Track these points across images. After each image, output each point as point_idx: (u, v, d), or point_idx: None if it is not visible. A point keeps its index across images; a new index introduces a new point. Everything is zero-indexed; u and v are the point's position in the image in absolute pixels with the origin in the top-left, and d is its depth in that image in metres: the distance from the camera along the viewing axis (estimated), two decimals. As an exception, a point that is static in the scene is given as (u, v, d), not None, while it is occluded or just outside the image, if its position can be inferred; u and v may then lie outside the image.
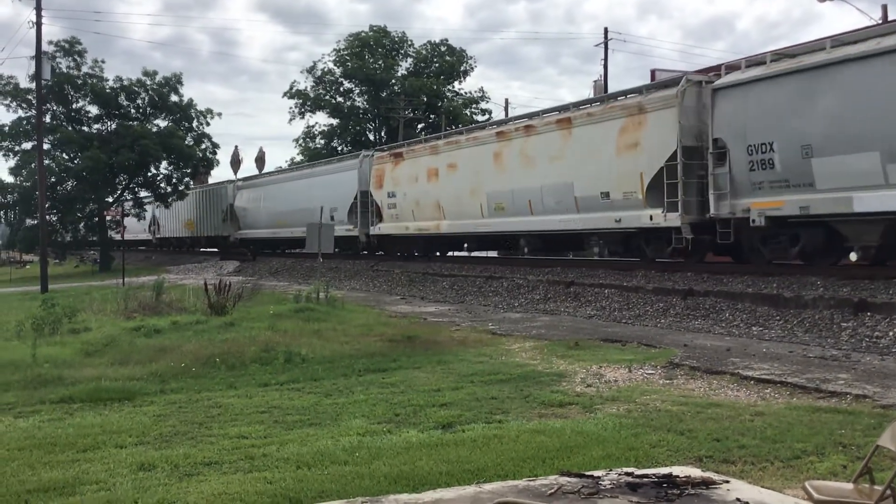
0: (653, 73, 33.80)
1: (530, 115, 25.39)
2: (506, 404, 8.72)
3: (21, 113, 45.76)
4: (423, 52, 64.01)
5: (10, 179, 47.61)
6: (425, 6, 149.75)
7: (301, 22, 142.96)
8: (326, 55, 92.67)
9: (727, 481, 5.67)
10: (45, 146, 40.69)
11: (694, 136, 18.24)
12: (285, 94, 64.40)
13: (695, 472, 5.88)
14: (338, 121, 64.39)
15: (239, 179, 50.53)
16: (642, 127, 19.43)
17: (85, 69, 46.48)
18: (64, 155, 46.72)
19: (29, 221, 45.88)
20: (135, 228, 59.09)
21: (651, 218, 19.03)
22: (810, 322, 13.68)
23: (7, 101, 45.36)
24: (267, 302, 20.50)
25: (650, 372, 10.42)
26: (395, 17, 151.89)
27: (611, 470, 5.97)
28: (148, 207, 54.57)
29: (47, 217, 39.24)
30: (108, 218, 46.66)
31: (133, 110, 48.65)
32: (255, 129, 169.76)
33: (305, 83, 64.30)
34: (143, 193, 50.83)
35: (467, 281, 23.90)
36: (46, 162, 41.08)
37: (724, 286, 16.58)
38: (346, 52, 62.24)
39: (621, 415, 7.99)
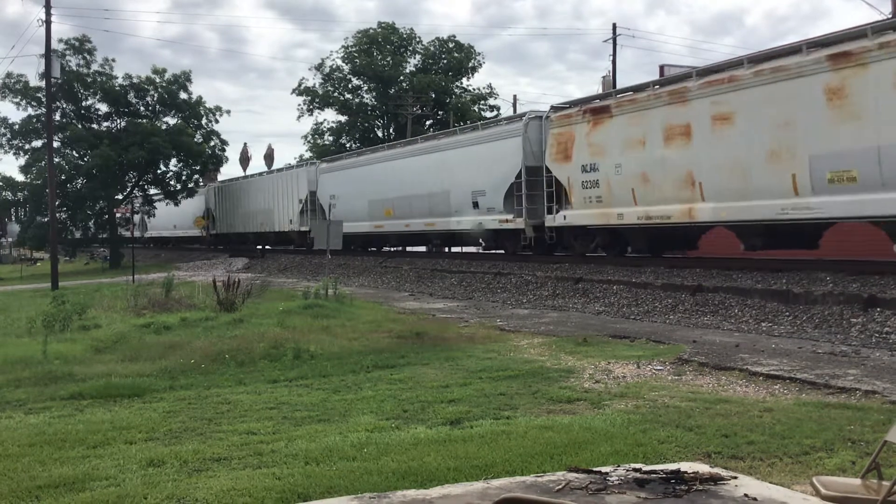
0: (661, 68, 33.70)
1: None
2: (514, 400, 8.72)
3: (31, 111, 45.98)
4: (432, 48, 63.95)
5: (20, 177, 47.90)
6: (433, 2, 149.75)
7: (309, 19, 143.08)
8: (335, 52, 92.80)
9: (735, 477, 5.65)
10: (55, 144, 40.86)
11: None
12: (294, 91, 64.56)
13: (703, 468, 5.86)
14: (346, 117, 64.43)
15: (322, 160, 41.68)
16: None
17: (95, 67, 46.64)
18: (74, 153, 46.88)
19: (39, 219, 46.05)
20: (173, 222, 55.44)
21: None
22: (820, 318, 13.63)
23: (17, 100, 45.52)
24: (276, 298, 20.55)
25: (659, 368, 10.41)
26: (402, 14, 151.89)
27: (619, 466, 5.95)
28: (199, 197, 51.08)
29: (57, 215, 39.38)
30: (118, 215, 46.83)
31: (142, 108, 48.77)
32: (263, 127, 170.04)
33: (314, 80, 64.40)
34: (152, 191, 50.89)
35: (475, 277, 23.89)
36: (56, 160, 41.24)
37: (734, 282, 16.53)
38: (354, 49, 62.24)
39: (630, 411, 7.98)
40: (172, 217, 54.31)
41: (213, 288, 18.94)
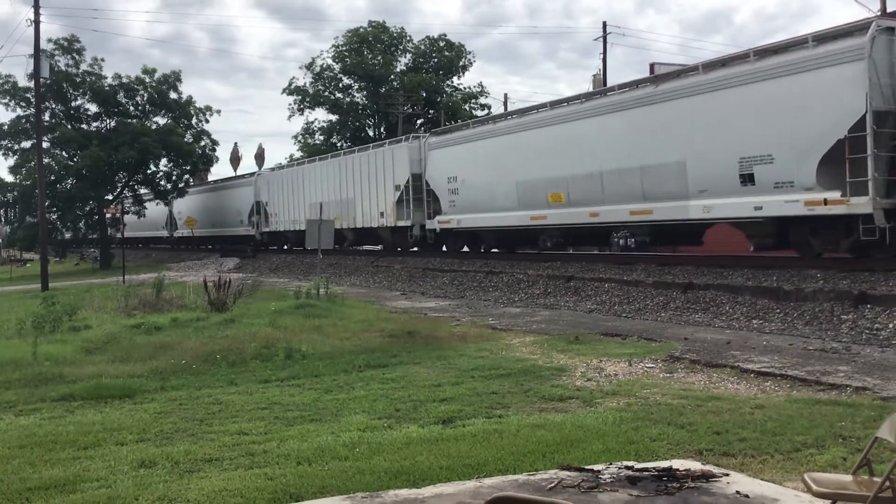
0: (651, 66, 33.76)
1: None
2: (506, 399, 8.72)
3: (20, 111, 45.86)
4: (422, 47, 63.92)
5: (9, 178, 47.70)
6: (423, 1, 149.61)
7: (299, 18, 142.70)
8: (325, 51, 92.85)
9: (727, 474, 5.69)
10: (45, 145, 40.70)
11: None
12: (284, 91, 64.42)
13: (695, 466, 5.90)
14: (337, 117, 64.34)
15: (431, 132, 31.23)
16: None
17: (84, 67, 46.51)
18: (63, 153, 46.76)
19: (29, 220, 45.88)
20: (212, 220, 50.39)
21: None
22: (810, 315, 13.68)
23: (6, 100, 45.39)
24: (267, 298, 20.51)
25: (650, 366, 10.42)
26: (393, 13, 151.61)
27: (611, 464, 5.99)
28: (247, 188, 45.43)
29: (47, 215, 39.24)
30: (107, 215, 46.67)
31: (132, 108, 48.67)
32: (254, 126, 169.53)
33: (304, 79, 64.26)
34: (142, 191, 50.75)
35: (467, 276, 23.89)
36: (46, 160, 41.09)
37: (725, 279, 16.58)
38: (344, 48, 62.15)
39: (621, 408, 7.99)
40: (211, 213, 50.79)
41: (204, 288, 18.89)
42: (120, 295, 20.80)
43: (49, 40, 45.71)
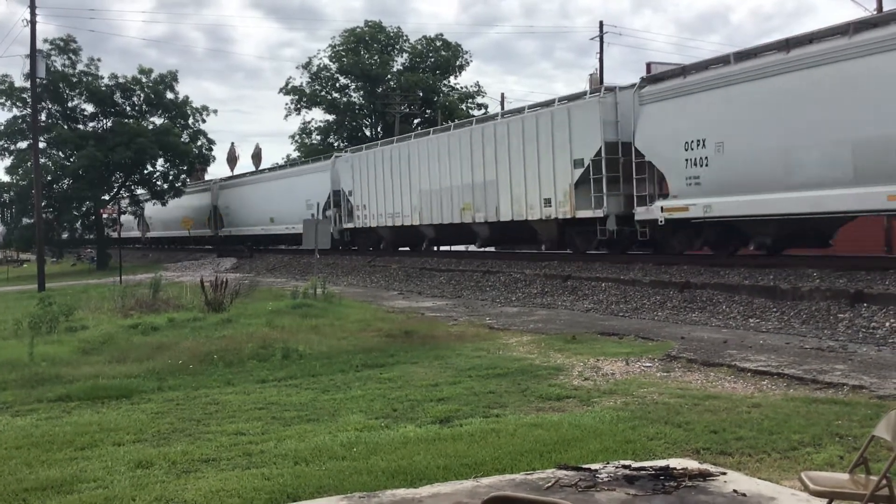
0: (648, 66, 33.77)
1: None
2: (503, 398, 8.72)
3: (16, 112, 45.73)
4: (419, 47, 63.86)
5: (6, 178, 47.61)
6: (419, 1, 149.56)
7: (295, 18, 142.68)
8: (322, 51, 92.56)
9: (724, 473, 5.69)
10: (41, 145, 40.59)
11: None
12: (281, 91, 64.28)
13: (692, 465, 5.90)
14: (334, 116, 64.26)
15: (645, 78, 20.75)
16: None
17: (80, 67, 46.39)
18: (60, 153, 46.61)
19: (25, 220, 45.79)
20: (269, 215, 42.02)
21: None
22: (807, 313, 13.69)
23: (2, 100, 45.25)
24: (264, 298, 20.49)
25: (647, 365, 10.43)
26: (389, 13, 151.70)
27: (608, 463, 5.99)
28: (321, 174, 37.18)
29: (44, 216, 39.17)
30: (104, 215, 46.61)
31: (129, 108, 48.53)
32: (250, 126, 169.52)
33: (301, 79, 64.10)
34: (139, 191, 50.68)
35: (464, 276, 23.89)
36: (42, 161, 40.98)
37: (721, 278, 16.59)
38: (341, 48, 62.07)
39: (618, 408, 7.99)
40: (259, 208, 43.26)
41: (201, 288, 18.87)
42: (117, 295, 20.78)
43: (45, 40, 45.75)
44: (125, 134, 44.53)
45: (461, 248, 30.97)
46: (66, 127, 46.27)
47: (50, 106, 46.23)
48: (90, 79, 46.46)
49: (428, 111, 61.20)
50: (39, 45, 38.24)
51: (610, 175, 20.30)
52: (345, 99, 63.73)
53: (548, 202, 22.46)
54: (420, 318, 16.55)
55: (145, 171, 48.52)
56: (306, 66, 63.48)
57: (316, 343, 13.22)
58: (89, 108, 47.90)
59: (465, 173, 26.02)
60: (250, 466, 6.45)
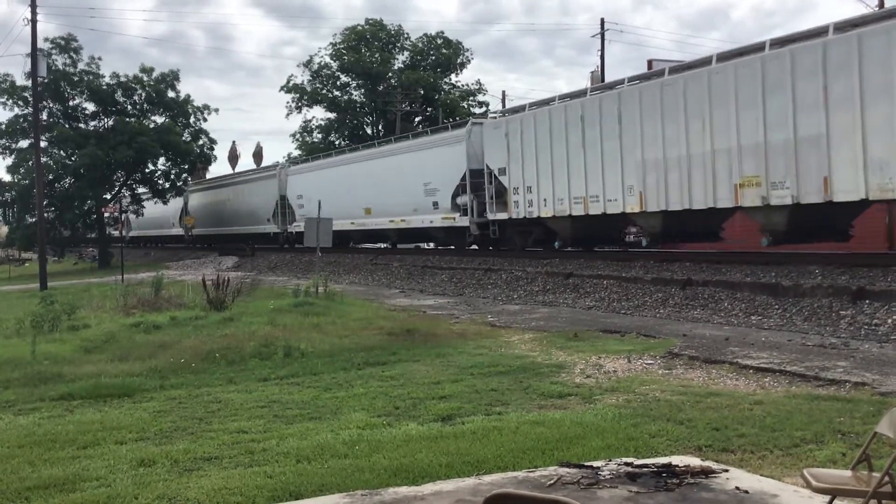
0: (650, 63, 33.75)
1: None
2: (505, 396, 8.72)
3: (17, 111, 45.78)
4: (420, 44, 63.86)
5: (7, 177, 47.67)
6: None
7: (296, 16, 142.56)
8: (323, 49, 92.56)
9: (726, 470, 5.69)
10: (42, 144, 40.62)
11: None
12: (282, 89, 64.30)
13: (694, 462, 5.90)
14: (335, 115, 64.27)
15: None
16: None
17: (81, 66, 46.42)
18: (61, 152, 46.66)
19: (27, 219, 45.84)
20: (390, 210, 31.19)
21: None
22: (809, 310, 13.68)
23: (3, 99, 45.31)
24: (266, 297, 20.50)
25: (649, 362, 10.43)
26: (390, 11, 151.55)
27: (610, 460, 5.99)
28: (455, 146, 27.34)
29: (45, 214, 39.19)
30: (105, 214, 46.67)
31: (130, 107, 48.56)
32: (252, 125, 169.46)
33: (302, 77, 64.15)
34: (140, 190, 50.72)
35: (466, 273, 23.88)
36: (44, 159, 41.03)
37: (723, 276, 16.58)
38: (342, 46, 62.07)
39: (621, 405, 7.99)
40: (372, 188, 32.35)
41: (203, 287, 18.88)
42: (119, 294, 20.78)
43: (46, 39, 45.63)
44: (126, 133, 44.55)
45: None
46: (67, 126, 46.30)
47: (51, 105, 46.26)
48: (91, 77, 46.48)
49: (429, 109, 61.20)
50: (40, 43, 38.35)
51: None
52: (346, 97, 63.75)
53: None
54: (422, 316, 16.55)
55: (147, 170, 48.57)
56: (307, 64, 63.54)
57: (318, 341, 13.22)
58: (90, 107, 48.00)
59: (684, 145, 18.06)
60: (252, 464, 6.46)
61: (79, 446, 7.35)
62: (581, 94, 22.78)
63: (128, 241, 60.47)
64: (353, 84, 63.55)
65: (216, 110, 64.27)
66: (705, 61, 18.23)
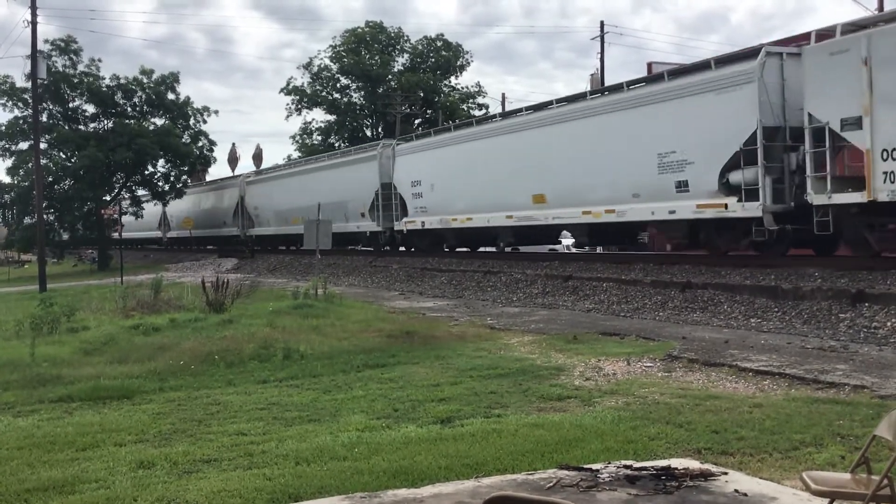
0: (649, 65, 33.77)
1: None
2: (504, 398, 8.72)
3: (17, 112, 45.77)
4: (419, 47, 63.88)
5: (7, 179, 47.68)
6: (419, 1, 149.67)
7: (295, 19, 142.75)
8: (322, 51, 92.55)
9: (725, 473, 5.69)
10: (42, 145, 40.63)
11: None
12: (282, 91, 64.35)
13: (693, 465, 5.90)
14: (335, 117, 64.28)
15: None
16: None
17: (81, 68, 46.43)
18: (61, 154, 46.68)
19: (27, 221, 45.83)
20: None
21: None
22: (808, 313, 13.68)
23: (3, 101, 45.32)
24: (265, 299, 20.49)
25: (649, 365, 10.43)
26: (389, 13, 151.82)
27: (609, 463, 5.99)
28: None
29: (45, 216, 39.18)
30: (105, 216, 46.62)
31: (130, 109, 48.56)
32: (251, 127, 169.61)
33: (302, 79, 64.19)
34: (140, 192, 50.72)
35: (465, 276, 23.88)
36: (43, 161, 41.03)
37: (722, 278, 16.58)
38: (341, 48, 62.10)
39: (620, 408, 7.99)
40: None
41: (202, 289, 18.87)
42: (118, 296, 20.77)
43: (46, 41, 45.58)
44: (126, 134, 44.56)
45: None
46: (67, 127, 46.31)
47: (51, 106, 46.26)
48: (91, 79, 46.49)
49: (429, 111, 61.21)
50: (40, 45, 38.33)
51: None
52: (345, 99, 63.78)
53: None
54: (421, 319, 16.55)
55: (146, 172, 48.57)
56: (307, 66, 63.59)
57: (317, 343, 13.21)
58: (90, 109, 48.00)
59: None
60: (252, 467, 6.45)
61: (78, 448, 7.35)
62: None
63: (165, 242, 59.00)
64: (353, 86, 63.59)
65: (216, 112, 64.24)
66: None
